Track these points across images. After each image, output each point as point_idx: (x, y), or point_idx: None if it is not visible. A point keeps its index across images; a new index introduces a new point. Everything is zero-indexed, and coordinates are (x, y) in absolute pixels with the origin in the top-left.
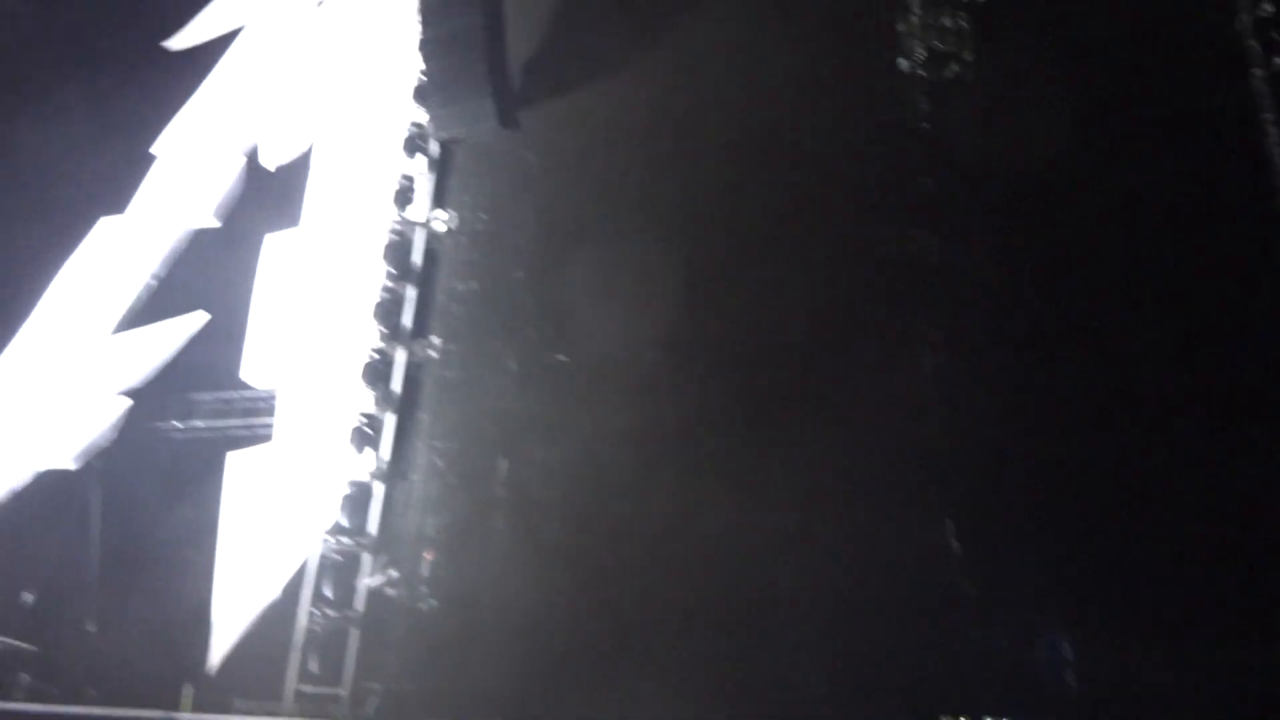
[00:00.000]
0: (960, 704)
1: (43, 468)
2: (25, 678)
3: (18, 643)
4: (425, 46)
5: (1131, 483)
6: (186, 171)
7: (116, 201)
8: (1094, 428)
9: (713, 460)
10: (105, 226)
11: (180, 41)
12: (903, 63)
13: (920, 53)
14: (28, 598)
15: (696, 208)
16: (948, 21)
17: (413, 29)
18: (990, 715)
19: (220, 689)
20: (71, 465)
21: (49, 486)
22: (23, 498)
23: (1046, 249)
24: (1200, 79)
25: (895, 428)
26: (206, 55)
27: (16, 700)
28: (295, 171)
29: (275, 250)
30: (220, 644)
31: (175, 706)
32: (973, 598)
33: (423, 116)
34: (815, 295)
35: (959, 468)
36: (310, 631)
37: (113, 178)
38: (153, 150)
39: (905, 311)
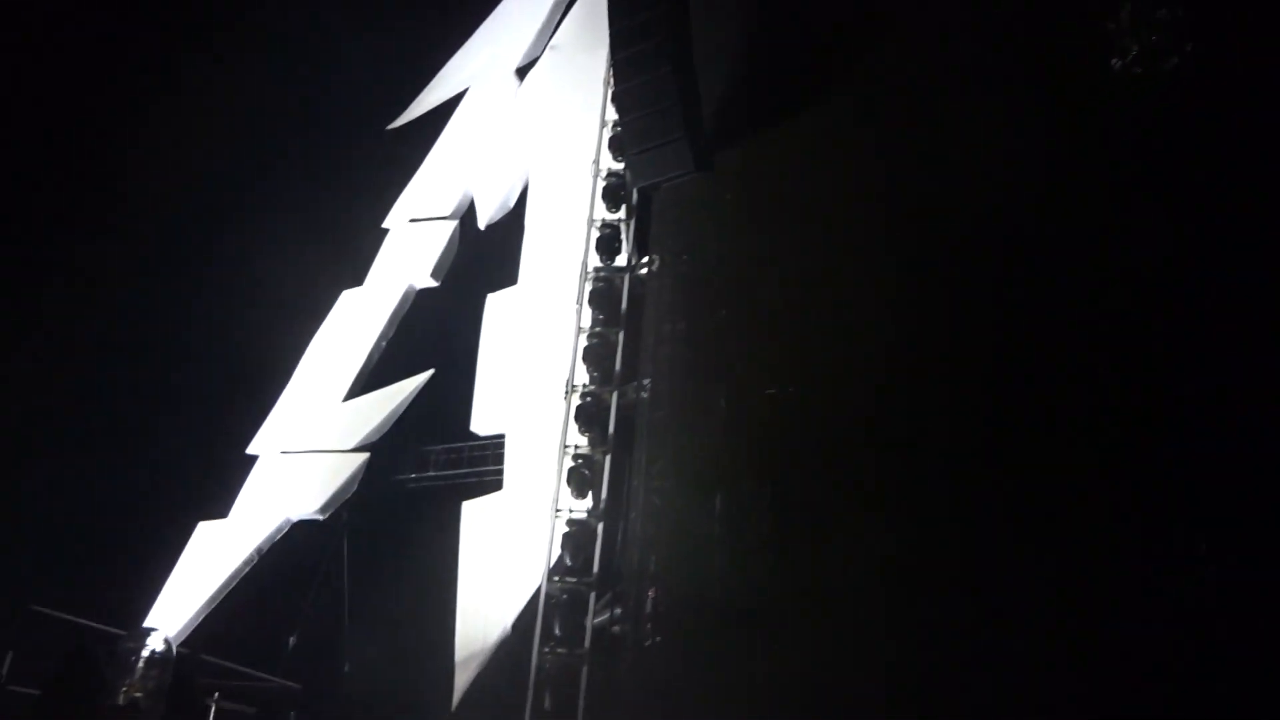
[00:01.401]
0: None
1: (296, 519)
2: (293, 715)
3: (285, 682)
4: (619, 99)
5: None
6: (413, 240)
7: (356, 275)
8: None
9: (930, 492)
10: (347, 299)
11: (399, 122)
12: (1115, 62)
13: (1134, 49)
14: (291, 640)
15: (896, 237)
16: (1162, 13)
17: (607, 83)
18: None
19: None
20: (320, 516)
21: (302, 537)
22: (280, 548)
23: None
24: None
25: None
26: (424, 131)
27: None
28: (507, 230)
29: (496, 307)
30: (461, 682)
31: None
32: None
33: (620, 166)
34: (1033, 316)
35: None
36: (541, 669)
37: (355, 254)
38: (385, 224)
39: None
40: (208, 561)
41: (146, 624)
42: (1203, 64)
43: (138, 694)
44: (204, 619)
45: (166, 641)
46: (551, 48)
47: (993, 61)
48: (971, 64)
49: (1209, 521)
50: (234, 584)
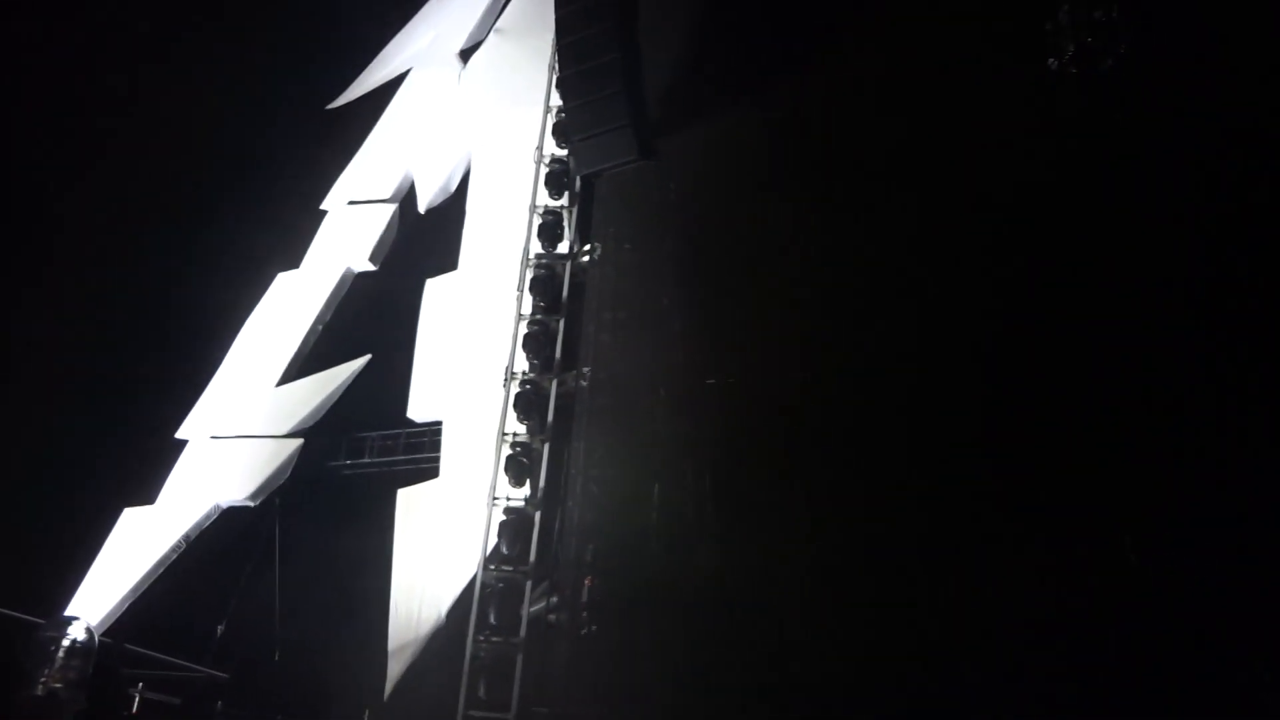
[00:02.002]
0: None
1: (226, 505)
2: (220, 705)
3: (213, 671)
4: (564, 84)
5: None
6: (352, 222)
7: (292, 257)
8: None
9: (866, 481)
10: (282, 281)
11: (339, 102)
12: (1052, 61)
13: (1070, 49)
14: (219, 629)
15: (839, 229)
16: (1099, 15)
17: (552, 69)
18: None
19: (396, 715)
20: (251, 503)
21: (233, 524)
22: (210, 535)
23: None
24: None
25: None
26: (364, 112)
27: None
28: (447, 215)
29: (435, 293)
30: (395, 671)
31: None
32: None
33: (564, 153)
34: (971, 306)
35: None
36: (476, 658)
37: (289, 235)
38: (323, 206)
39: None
40: (133, 548)
41: (68, 612)
42: (1136, 65)
43: (57, 684)
44: (128, 607)
45: (88, 630)
46: (496, 31)
47: (938, 53)
48: (918, 54)
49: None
50: (160, 571)
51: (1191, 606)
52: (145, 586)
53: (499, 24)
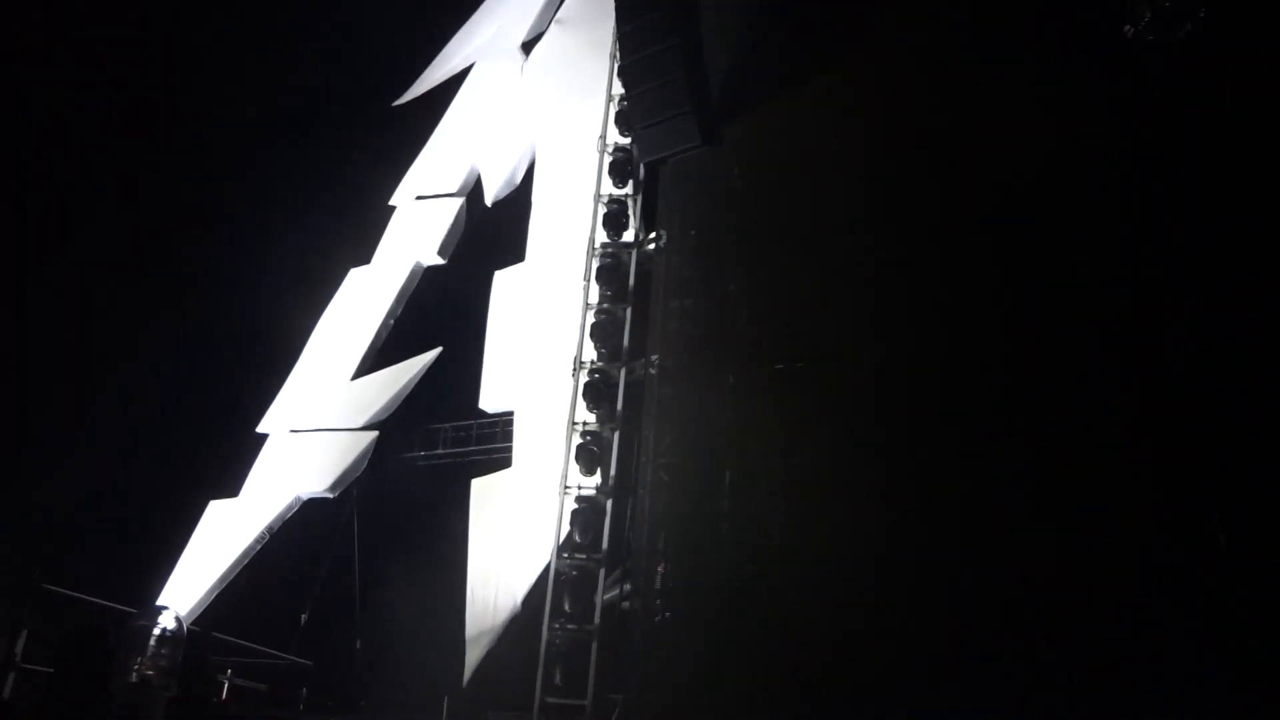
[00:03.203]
0: None
1: (306, 496)
2: (304, 691)
3: (297, 659)
4: (625, 72)
5: None
6: (420, 217)
7: (364, 253)
8: None
9: (931, 466)
10: (354, 277)
11: (405, 98)
12: (1128, 29)
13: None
14: (303, 617)
15: (905, 209)
16: None
17: (613, 57)
18: None
19: (475, 702)
20: (330, 494)
21: (314, 515)
22: (292, 526)
23: None
24: None
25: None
26: (430, 107)
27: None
28: (513, 207)
29: (503, 284)
30: (473, 659)
31: (437, 718)
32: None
33: (627, 141)
34: (1040, 295)
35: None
36: (552, 645)
37: (360, 232)
38: (392, 202)
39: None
40: (219, 540)
41: (158, 602)
42: (1214, 31)
43: (150, 671)
44: (215, 597)
45: (178, 619)
46: (557, 22)
47: (1003, 29)
48: (981, 31)
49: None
50: (245, 562)
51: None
52: (231, 577)
53: (560, 14)
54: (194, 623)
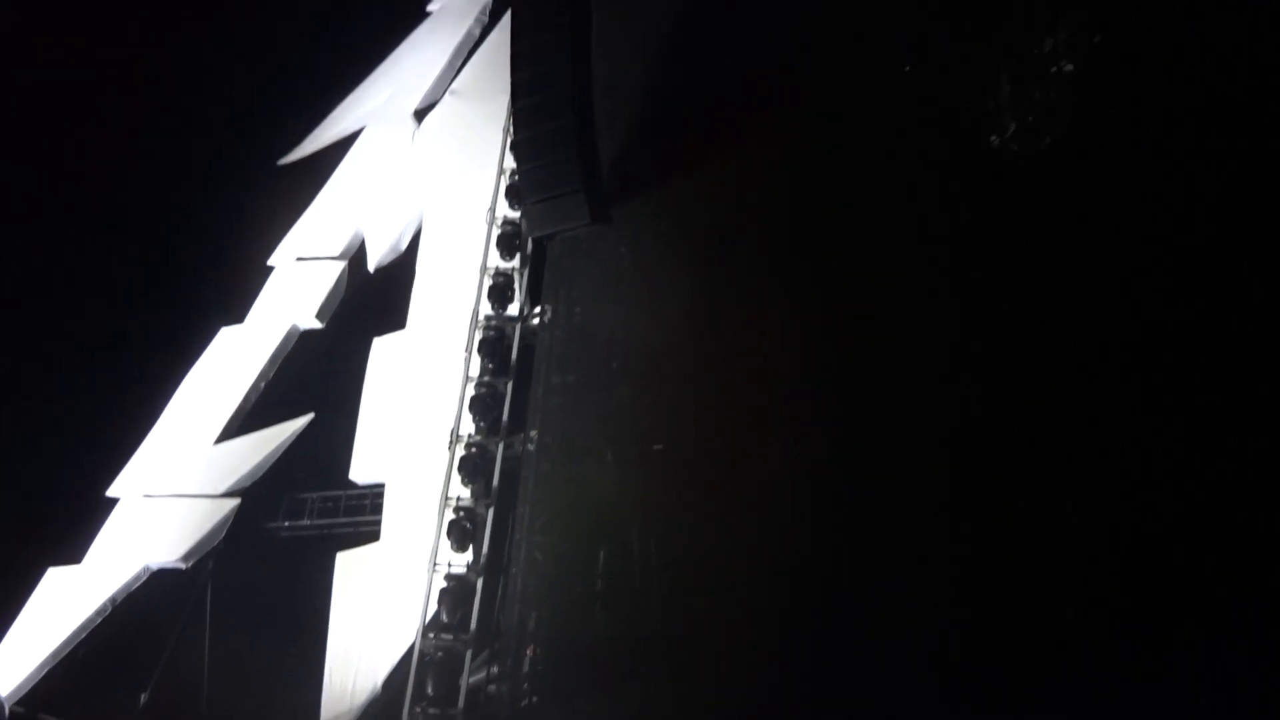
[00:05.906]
0: None
1: (156, 566)
2: None
3: None
4: (518, 147)
5: None
6: (299, 279)
7: (237, 312)
8: None
9: (813, 544)
10: (225, 336)
11: (291, 158)
12: (994, 139)
13: (1012, 127)
14: (142, 698)
15: (788, 294)
16: (1038, 94)
17: (506, 131)
18: None
19: None
20: (183, 565)
21: (162, 587)
22: (137, 598)
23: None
24: None
25: None
26: (316, 169)
27: None
28: (397, 274)
29: (381, 352)
30: None
31: None
32: None
33: (516, 215)
34: (913, 375)
35: None
36: None
37: (235, 290)
38: (270, 261)
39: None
40: (55, 611)
41: None
42: (1075, 144)
43: None
44: (46, 674)
45: None
46: (451, 92)
47: (880, 132)
48: (859, 129)
49: None
50: (83, 635)
51: None
52: (65, 652)
53: (455, 85)
54: (17, 702)
